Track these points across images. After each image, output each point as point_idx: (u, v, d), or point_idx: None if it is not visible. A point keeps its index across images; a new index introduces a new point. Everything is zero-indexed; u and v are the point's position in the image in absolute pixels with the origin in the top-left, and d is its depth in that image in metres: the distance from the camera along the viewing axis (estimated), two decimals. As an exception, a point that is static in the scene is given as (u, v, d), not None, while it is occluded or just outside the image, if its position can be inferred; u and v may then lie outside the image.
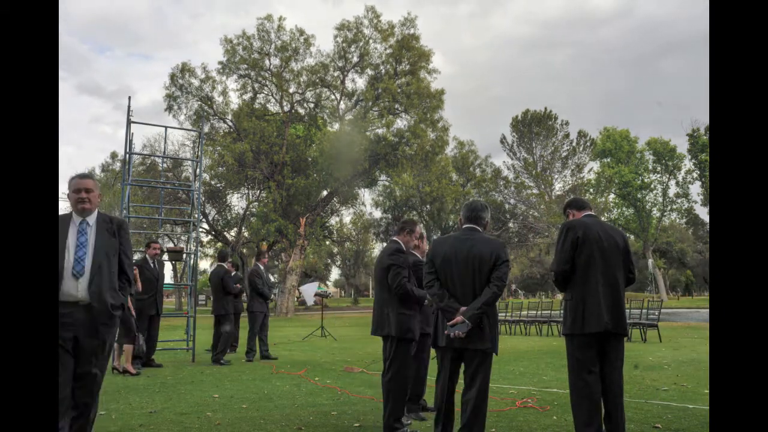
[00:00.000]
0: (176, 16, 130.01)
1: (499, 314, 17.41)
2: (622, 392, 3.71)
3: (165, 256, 11.01)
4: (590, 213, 4.03)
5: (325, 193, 33.07)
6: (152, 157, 33.69)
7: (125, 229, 3.54)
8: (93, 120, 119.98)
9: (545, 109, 42.50)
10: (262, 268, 9.94)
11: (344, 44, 31.49)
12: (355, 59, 31.85)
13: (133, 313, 7.63)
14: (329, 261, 60.40)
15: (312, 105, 33.18)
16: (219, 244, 40.42)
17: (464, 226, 3.76)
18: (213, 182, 34.96)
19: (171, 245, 34.79)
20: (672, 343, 11.18)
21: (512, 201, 42.35)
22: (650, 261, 42.88)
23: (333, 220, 43.58)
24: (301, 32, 31.71)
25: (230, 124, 32.50)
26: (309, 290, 18.23)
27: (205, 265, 59.58)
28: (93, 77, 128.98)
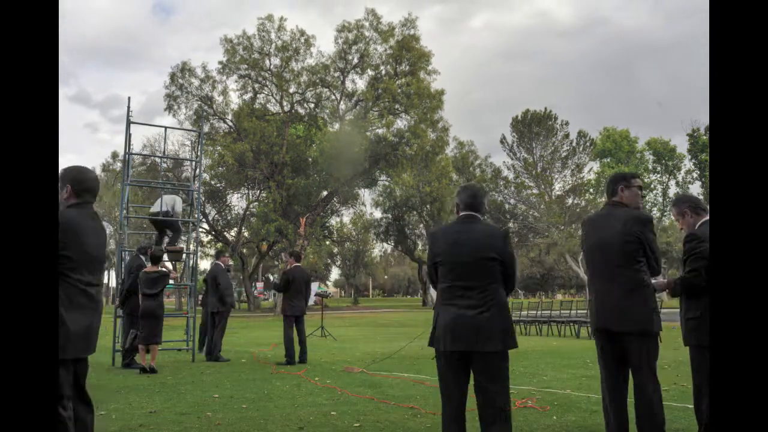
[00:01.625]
0: (155, 31, 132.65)
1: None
2: (650, 401, 3.38)
3: (165, 256, 11.00)
4: (614, 200, 3.62)
5: (325, 193, 33.07)
6: (152, 158, 33.70)
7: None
8: (87, 126, 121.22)
9: (545, 109, 42.47)
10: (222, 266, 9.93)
11: (345, 46, 31.52)
12: (356, 60, 31.86)
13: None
14: (329, 261, 60.40)
15: (312, 105, 33.20)
16: (219, 244, 40.46)
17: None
18: (213, 182, 34.97)
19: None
20: (672, 344, 11.16)
21: (512, 201, 42.36)
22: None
23: (333, 221, 43.61)
24: (302, 33, 31.73)
25: (230, 124, 32.50)
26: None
27: (206, 265, 59.55)
28: (83, 88, 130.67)
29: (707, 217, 3.77)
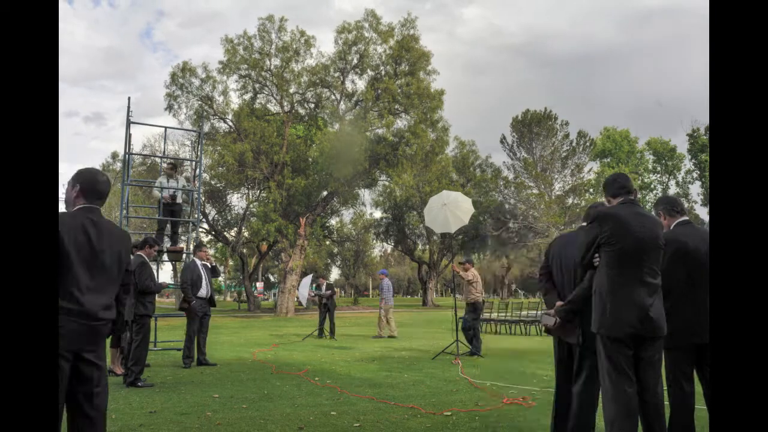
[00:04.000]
0: (131, 49, 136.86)
1: (500, 314, 17.50)
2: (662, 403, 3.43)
3: (165, 257, 11.01)
4: (631, 199, 3.57)
5: (325, 193, 33.06)
6: (152, 158, 33.69)
7: None
8: (77, 135, 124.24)
9: (545, 109, 42.50)
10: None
11: (345, 46, 31.52)
12: (355, 61, 31.86)
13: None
14: (329, 261, 60.38)
15: (312, 105, 33.19)
16: (219, 244, 40.39)
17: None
18: (213, 182, 34.96)
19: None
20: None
21: (512, 201, 42.34)
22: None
23: (333, 221, 43.59)
24: (302, 33, 31.73)
25: (230, 124, 32.51)
26: (302, 290, 16.54)
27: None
28: (71, 107, 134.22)
29: (682, 218, 3.78)
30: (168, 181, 10.17)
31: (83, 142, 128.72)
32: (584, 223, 3.68)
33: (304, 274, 42.31)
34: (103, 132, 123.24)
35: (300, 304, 37.25)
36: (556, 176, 42.40)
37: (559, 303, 3.61)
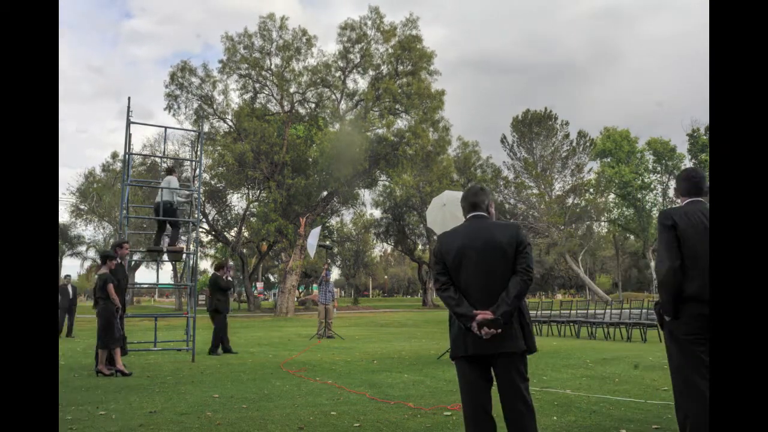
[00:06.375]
0: (112, 63, 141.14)
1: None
2: None
3: (165, 256, 11.01)
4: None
5: (325, 193, 33.06)
6: (152, 158, 33.71)
7: None
8: (69, 141, 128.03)
9: (545, 109, 42.52)
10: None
11: (347, 44, 31.51)
12: (357, 60, 31.85)
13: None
14: (329, 261, 60.43)
15: (313, 105, 33.18)
16: (219, 244, 40.37)
17: (468, 216, 3.20)
18: (213, 182, 34.96)
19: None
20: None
21: (512, 201, 42.34)
22: (651, 261, 42.88)
23: (333, 221, 43.60)
24: (304, 32, 31.72)
25: (230, 124, 32.50)
26: (312, 241, 15.59)
27: (206, 265, 59.52)
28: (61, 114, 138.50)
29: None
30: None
31: (80, 148, 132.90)
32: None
33: (304, 275, 42.36)
34: (94, 140, 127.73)
35: (302, 303, 37.23)
36: (556, 176, 42.40)
37: (483, 313, 2.88)
